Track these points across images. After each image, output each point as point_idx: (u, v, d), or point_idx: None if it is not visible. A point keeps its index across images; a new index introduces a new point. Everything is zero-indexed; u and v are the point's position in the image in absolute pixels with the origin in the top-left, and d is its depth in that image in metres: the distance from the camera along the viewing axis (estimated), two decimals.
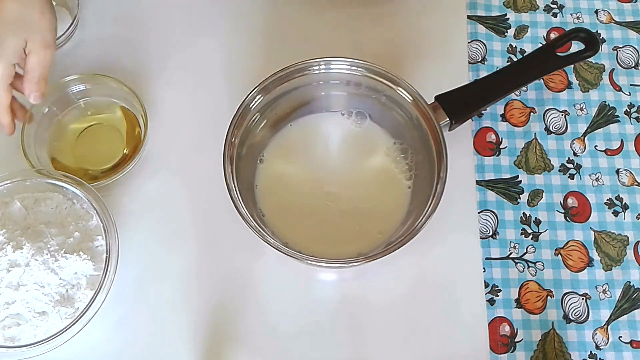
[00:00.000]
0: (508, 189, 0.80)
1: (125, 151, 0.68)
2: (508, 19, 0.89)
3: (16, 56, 0.57)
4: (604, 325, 0.74)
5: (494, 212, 0.79)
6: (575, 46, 0.81)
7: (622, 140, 0.83)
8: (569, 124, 0.83)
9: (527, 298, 0.75)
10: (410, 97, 0.62)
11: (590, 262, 0.77)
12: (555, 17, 0.89)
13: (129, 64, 0.73)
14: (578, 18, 0.90)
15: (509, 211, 0.79)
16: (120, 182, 0.67)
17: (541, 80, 0.85)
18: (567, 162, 0.82)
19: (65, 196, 0.63)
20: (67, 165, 0.67)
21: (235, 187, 0.58)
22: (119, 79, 0.67)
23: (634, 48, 0.88)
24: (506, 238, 0.78)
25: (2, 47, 0.56)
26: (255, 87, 0.62)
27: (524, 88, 0.84)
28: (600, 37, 0.89)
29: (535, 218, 0.79)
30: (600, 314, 0.75)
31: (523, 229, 0.78)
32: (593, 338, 0.74)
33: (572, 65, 0.86)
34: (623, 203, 0.80)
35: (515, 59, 0.87)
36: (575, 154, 0.82)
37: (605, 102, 0.85)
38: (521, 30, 0.88)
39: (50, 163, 0.66)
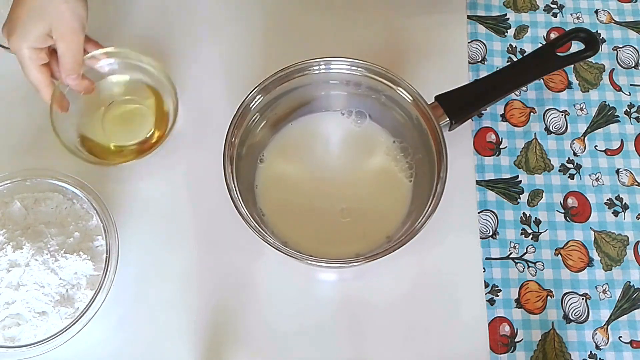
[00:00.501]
0: (508, 189, 0.80)
1: (152, 129, 0.67)
2: (508, 19, 0.89)
3: (39, 41, 0.58)
4: (604, 325, 0.74)
5: (494, 212, 0.79)
6: (575, 46, 0.81)
7: (622, 140, 0.83)
8: (569, 124, 0.83)
9: (527, 298, 0.75)
10: (410, 97, 0.62)
11: (590, 262, 0.77)
12: (555, 17, 0.89)
13: None
14: (578, 18, 0.90)
15: (509, 211, 0.79)
16: (121, 182, 0.67)
17: (541, 80, 0.85)
18: (567, 162, 0.82)
19: (65, 196, 0.63)
20: (96, 141, 0.66)
21: (235, 187, 0.58)
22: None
23: (634, 48, 0.88)
24: (506, 238, 0.78)
25: (25, 32, 0.57)
26: (255, 87, 0.62)
27: (524, 88, 0.84)
28: (600, 37, 0.89)
29: (535, 218, 0.79)
30: (600, 314, 0.74)
31: (523, 229, 0.78)
32: (593, 338, 0.74)
33: (572, 65, 0.86)
34: (623, 203, 0.80)
35: (515, 59, 0.86)
36: (575, 154, 0.82)
37: (605, 102, 0.85)
38: (521, 30, 0.88)
39: (79, 140, 0.65)
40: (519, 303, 0.75)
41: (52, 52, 0.61)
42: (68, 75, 0.61)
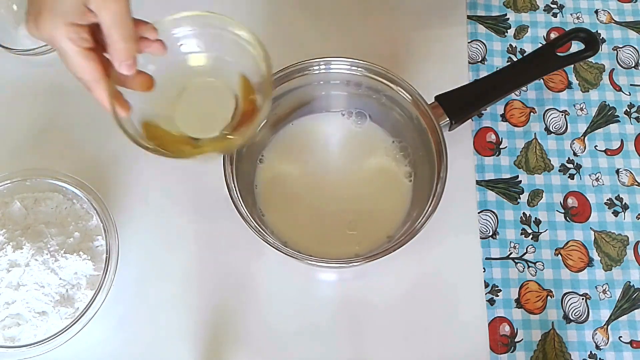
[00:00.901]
0: (508, 189, 0.80)
1: (231, 119, 0.52)
2: (508, 19, 0.89)
3: (76, 13, 0.44)
4: (604, 325, 0.74)
5: (494, 212, 0.79)
6: (575, 46, 0.81)
7: (622, 140, 0.83)
8: (569, 124, 0.83)
9: (527, 298, 0.75)
10: (410, 97, 0.62)
11: (590, 262, 0.77)
12: (555, 17, 0.89)
13: None
14: (578, 18, 0.90)
15: (509, 211, 0.79)
16: (121, 182, 0.67)
17: (541, 80, 0.85)
18: (567, 162, 0.82)
19: (65, 196, 0.63)
20: (164, 129, 0.52)
21: (235, 187, 0.58)
22: None
23: (634, 48, 0.88)
24: (506, 238, 0.78)
25: (56, 5, 0.44)
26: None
27: (524, 88, 0.84)
28: (600, 37, 0.89)
29: (535, 218, 0.79)
30: (600, 314, 0.74)
31: (523, 229, 0.78)
32: (593, 338, 0.74)
33: (572, 65, 0.86)
34: (623, 203, 0.80)
35: (515, 59, 0.86)
36: (575, 154, 0.82)
37: (605, 102, 0.85)
38: (521, 30, 0.88)
39: (142, 128, 0.51)
40: (519, 303, 0.75)
41: (97, 44, 0.47)
42: (122, 62, 0.46)
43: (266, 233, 0.57)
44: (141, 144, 0.48)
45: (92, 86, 0.47)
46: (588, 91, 0.86)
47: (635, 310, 0.75)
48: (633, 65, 0.88)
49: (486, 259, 0.76)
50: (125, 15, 0.45)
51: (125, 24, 0.45)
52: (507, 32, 0.89)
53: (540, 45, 0.87)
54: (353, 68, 0.63)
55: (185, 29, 0.51)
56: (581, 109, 0.85)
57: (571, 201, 0.80)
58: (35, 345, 0.56)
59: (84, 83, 0.47)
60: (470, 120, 0.67)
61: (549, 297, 0.75)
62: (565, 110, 0.85)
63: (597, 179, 0.81)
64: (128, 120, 0.49)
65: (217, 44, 0.52)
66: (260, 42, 0.51)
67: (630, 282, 0.77)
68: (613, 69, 0.87)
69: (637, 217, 0.80)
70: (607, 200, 0.80)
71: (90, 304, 0.57)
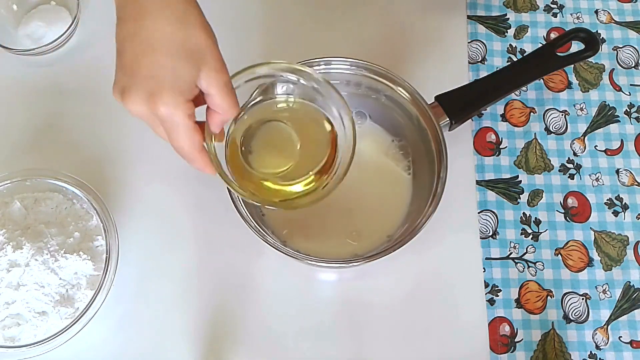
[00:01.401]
0: (508, 189, 0.80)
1: (310, 171, 0.52)
2: (508, 19, 0.89)
3: (192, 90, 0.44)
4: (604, 325, 0.74)
5: (494, 212, 0.79)
6: (575, 46, 0.81)
7: (622, 140, 0.83)
8: (569, 124, 0.83)
9: (527, 298, 0.75)
10: (410, 97, 0.62)
11: (590, 262, 0.77)
12: (555, 17, 0.89)
13: None
14: (578, 18, 0.90)
15: (509, 211, 0.79)
16: (121, 182, 0.67)
17: (541, 80, 0.85)
18: (567, 162, 0.82)
19: (65, 196, 0.63)
20: (238, 156, 0.53)
21: None
22: None
23: (634, 48, 0.88)
24: (506, 238, 0.78)
25: (176, 81, 0.43)
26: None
27: (524, 88, 0.84)
28: (600, 37, 0.89)
29: (535, 218, 0.79)
30: (600, 314, 0.74)
31: (523, 229, 0.78)
32: (593, 338, 0.74)
33: (572, 65, 0.86)
34: (623, 203, 0.80)
35: (515, 59, 0.86)
36: (575, 154, 0.82)
37: (605, 102, 0.85)
38: (521, 30, 0.88)
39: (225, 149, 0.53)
40: (519, 303, 0.75)
41: None
42: (222, 124, 0.48)
43: (266, 233, 0.57)
44: (243, 195, 0.50)
45: (196, 156, 0.47)
46: (588, 91, 0.86)
47: (635, 310, 0.75)
48: (633, 65, 0.88)
49: (486, 259, 0.76)
50: (230, 84, 0.46)
51: (231, 92, 0.46)
52: (507, 32, 0.89)
53: (540, 45, 0.87)
54: (353, 68, 0.63)
55: (292, 76, 0.52)
56: (581, 109, 0.85)
57: (571, 201, 0.80)
58: (35, 345, 0.56)
59: (186, 154, 0.47)
60: (470, 120, 0.67)
61: (549, 297, 0.75)
62: (565, 110, 0.85)
63: (597, 179, 0.81)
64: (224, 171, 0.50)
65: (298, 92, 0.54)
66: (339, 93, 0.51)
67: (630, 282, 0.77)
68: (613, 69, 0.87)
69: (637, 217, 0.80)
70: (607, 200, 0.80)
71: (90, 304, 0.57)
